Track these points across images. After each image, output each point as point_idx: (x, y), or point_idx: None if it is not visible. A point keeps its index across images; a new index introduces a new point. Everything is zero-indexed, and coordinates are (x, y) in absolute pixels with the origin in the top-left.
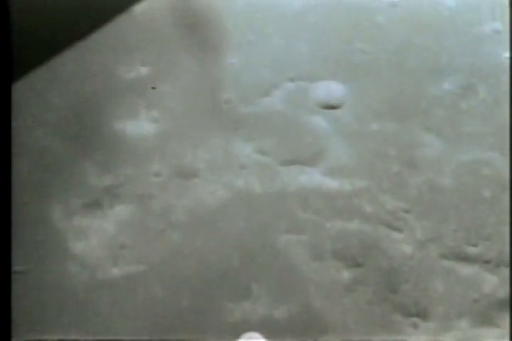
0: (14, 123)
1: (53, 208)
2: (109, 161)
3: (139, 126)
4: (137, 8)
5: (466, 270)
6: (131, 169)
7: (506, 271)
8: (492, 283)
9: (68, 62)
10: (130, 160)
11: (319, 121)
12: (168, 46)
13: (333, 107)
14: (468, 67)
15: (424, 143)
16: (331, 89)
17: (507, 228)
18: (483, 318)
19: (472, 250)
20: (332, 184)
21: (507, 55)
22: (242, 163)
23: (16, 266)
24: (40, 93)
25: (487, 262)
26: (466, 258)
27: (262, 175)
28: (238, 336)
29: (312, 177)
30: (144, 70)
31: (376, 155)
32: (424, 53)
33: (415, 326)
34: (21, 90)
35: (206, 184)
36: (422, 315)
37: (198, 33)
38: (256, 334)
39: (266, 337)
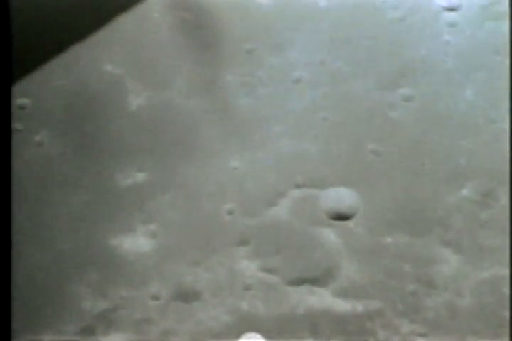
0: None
1: (44, 335)
2: (103, 282)
3: (135, 242)
4: (132, 105)
5: None
6: (127, 291)
7: None
8: None
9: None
10: (126, 281)
11: (329, 234)
12: (168, 149)
13: (343, 218)
14: (489, 170)
15: (441, 258)
16: (341, 196)
17: None
18: None
19: None
20: (343, 306)
21: None
22: (246, 283)
23: None
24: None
25: None
26: None
27: (268, 296)
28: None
29: (322, 299)
30: (141, 177)
31: (390, 272)
32: (440, 154)
33: None
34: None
35: (208, 307)
36: None
37: (200, 135)
38: (256, 335)
39: None
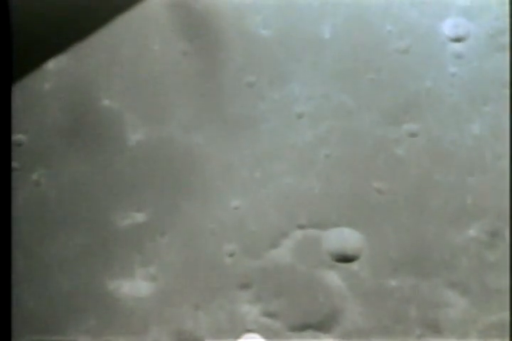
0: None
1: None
2: (101, 328)
3: (134, 285)
4: (131, 141)
5: None
6: (126, 337)
7: None
8: None
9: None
10: (125, 327)
11: (333, 276)
12: (167, 187)
13: (347, 259)
14: (496, 209)
15: (447, 301)
16: (346, 237)
17: None
18: None
19: None
20: None
21: None
22: (248, 328)
23: None
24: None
25: None
26: None
27: None
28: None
29: None
30: (139, 217)
31: (395, 316)
32: (446, 192)
33: None
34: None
35: None
36: None
37: (200, 172)
38: (256, 335)
39: None
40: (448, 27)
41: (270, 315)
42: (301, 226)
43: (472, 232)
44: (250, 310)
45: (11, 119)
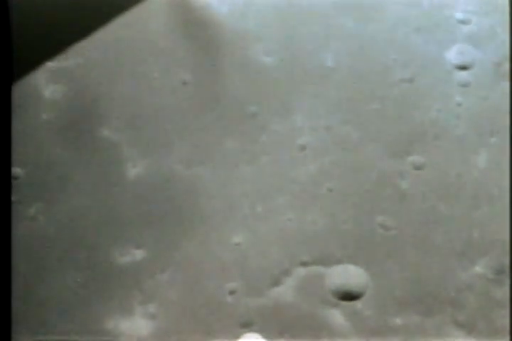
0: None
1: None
2: None
3: (133, 324)
4: (130, 175)
5: None
6: None
7: None
8: None
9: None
10: None
11: (336, 315)
12: (167, 223)
13: (351, 297)
14: (502, 244)
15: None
16: (349, 275)
17: None
18: None
19: None
20: None
21: None
22: None
23: None
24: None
25: None
26: None
27: None
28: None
29: None
30: (139, 254)
31: None
32: (452, 227)
33: None
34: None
35: None
36: None
37: (201, 207)
38: (256, 335)
39: None
40: (453, 54)
41: None
42: (303, 263)
43: (478, 268)
44: None
45: (11, 148)
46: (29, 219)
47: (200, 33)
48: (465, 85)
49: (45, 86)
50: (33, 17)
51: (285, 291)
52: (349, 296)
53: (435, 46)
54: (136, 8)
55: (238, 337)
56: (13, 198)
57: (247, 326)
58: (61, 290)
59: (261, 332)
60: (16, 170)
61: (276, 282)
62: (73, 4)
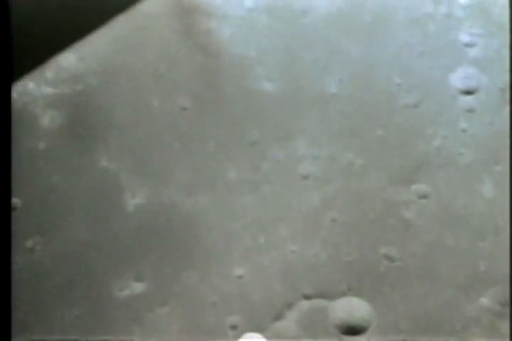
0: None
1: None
2: None
3: None
4: (129, 205)
5: None
6: None
7: None
8: None
9: None
10: None
11: None
12: (167, 255)
13: (355, 332)
14: (509, 276)
15: None
16: (353, 308)
17: None
18: None
19: None
20: None
21: None
22: None
23: None
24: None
25: None
26: None
27: None
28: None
29: None
30: (138, 287)
31: None
32: (458, 258)
33: None
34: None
35: None
36: None
37: (201, 238)
38: (256, 335)
39: None
40: (458, 78)
41: None
42: (306, 297)
43: (485, 301)
44: None
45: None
46: (26, 251)
47: (201, 58)
48: (470, 110)
49: (43, 113)
50: (33, 17)
51: (287, 325)
52: (353, 331)
53: (440, 70)
54: (135, 33)
55: None
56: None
57: None
58: (59, 324)
59: None
60: (14, 201)
61: (278, 316)
62: (73, 4)
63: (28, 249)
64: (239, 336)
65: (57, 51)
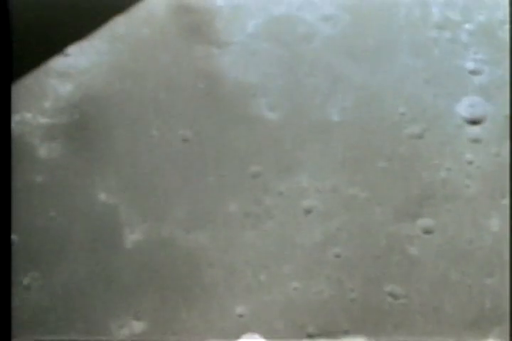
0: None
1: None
2: None
3: None
4: (128, 241)
5: None
6: None
7: None
8: None
9: None
10: None
11: None
12: (166, 293)
13: None
14: None
15: None
16: None
17: None
18: None
19: None
20: None
21: None
22: None
23: None
24: None
25: None
26: None
27: None
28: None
29: None
30: (137, 326)
31: None
32: (464, 296)
33: None
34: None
35: None
36: None
37: (201, 276)
38: (256, 335)
39: None
40: (464, 107)
41: None
42: (310, 335)
43: (491, 339)
44: None
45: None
46: (22, 288)
47: (200, 85)
48: (476, 141)
49: (40, 144)
50: (33, 17)
51: None
52: None
53: (445, 99)
54: (133, 61)
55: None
56: None
57: None
58: None
59: None
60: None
61: None
62: (73, 4)
63: (24, 285)
64: None
65: (57, 51)
